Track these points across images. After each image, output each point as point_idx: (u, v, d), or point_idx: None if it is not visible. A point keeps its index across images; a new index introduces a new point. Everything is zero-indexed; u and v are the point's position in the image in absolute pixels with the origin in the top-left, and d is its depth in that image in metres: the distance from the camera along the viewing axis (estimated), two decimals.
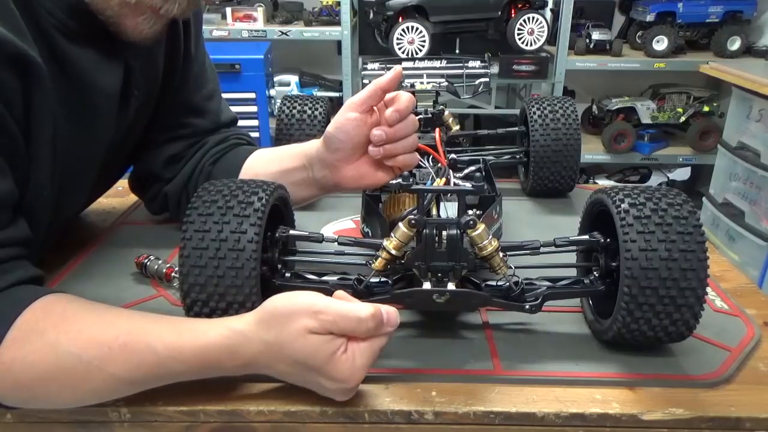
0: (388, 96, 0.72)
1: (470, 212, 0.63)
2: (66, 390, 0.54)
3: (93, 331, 0.54)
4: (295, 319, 0.53)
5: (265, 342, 0.53)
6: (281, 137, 1.02)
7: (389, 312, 0.55)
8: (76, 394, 0.55)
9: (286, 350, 0.53)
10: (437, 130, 0.85)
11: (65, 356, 0.53)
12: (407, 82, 1.06)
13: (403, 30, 2.32)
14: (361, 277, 0.64)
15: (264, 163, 0.84)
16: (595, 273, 0.66)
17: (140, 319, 0.57)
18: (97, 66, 0.69)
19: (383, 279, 0.65)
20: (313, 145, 0.78)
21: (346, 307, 0.53)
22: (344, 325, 0.53)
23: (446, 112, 0.99)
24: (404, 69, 1.11)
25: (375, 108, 0.72)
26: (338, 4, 2.42)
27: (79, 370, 0.53)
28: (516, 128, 1.07)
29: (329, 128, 0.74)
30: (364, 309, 0.53)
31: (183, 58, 0.84)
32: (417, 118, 0.92)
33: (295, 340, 0.52)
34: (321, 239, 0.67)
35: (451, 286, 0.61)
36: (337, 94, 2.57)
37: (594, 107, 2.70)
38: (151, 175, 0.89)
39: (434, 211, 0.72)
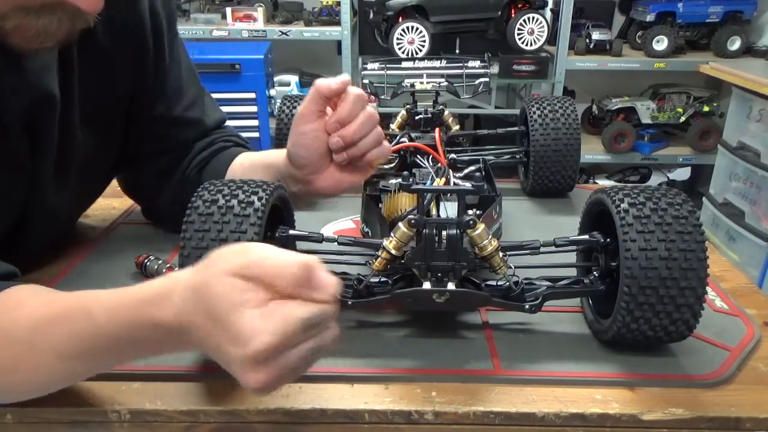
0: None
1: (470, 212, 0.63)
2: (18, 378, 0.53)
3: (41, 312, 0.53)
4: (224, 257, 0.44)
5: (190, 287, 0.45)
6: (281, 137, 1.02)
7: (325, 276, 0.44)
8: (30, 381, 0.53)
9: (203, 294, 0.44)
10: (437, 130, 0.86)
11: (14, 342, 0.52)
12: (407, 82, 1.06)
13: (403, 30, 2.32)
14: (361, 277, 0.64)
15: (242, 172, 0.81)
16: (594, 273, 0.66)
17: (84, 293, 0.53)
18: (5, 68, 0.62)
19: (383, 279, 0.65)
20: (281, 161, 0.75)
21: (281, 251, 0.45)
22: (269, 265, 0.43)
23: (446, 112, 0.99)
24: (404, 69, 1.11)
25: (329, 110, 0.69)
26: (338, 4, 2.42)
27: (27, 353, 0.52)
28: (516, 128, 1.07)
29: (288, 146, 0.72)
30: (297, 255, 0.45)
31: (155, 70, 0.80)
32: (417, 118, 0.92)
33: (216, 283, 0.43)
34: (321, 239, 0.67)
35: (451, 286, 0.61)
36: None
37: (594, 107, 2.70)
38: (142, 188, 0.88)
39: (434, 211, 0.72)
